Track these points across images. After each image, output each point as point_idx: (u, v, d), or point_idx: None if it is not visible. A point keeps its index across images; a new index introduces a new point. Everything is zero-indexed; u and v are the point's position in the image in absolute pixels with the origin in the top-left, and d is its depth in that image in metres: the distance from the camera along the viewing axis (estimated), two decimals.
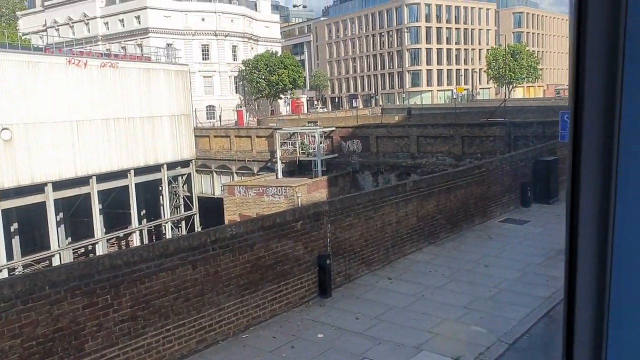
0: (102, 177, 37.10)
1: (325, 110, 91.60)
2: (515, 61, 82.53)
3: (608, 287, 0.87)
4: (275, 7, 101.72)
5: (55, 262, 33.34)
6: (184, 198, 43.77)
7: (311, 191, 32.41)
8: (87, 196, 36.60)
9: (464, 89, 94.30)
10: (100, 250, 36.60)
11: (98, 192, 36.92)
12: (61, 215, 37.91)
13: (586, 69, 0.85)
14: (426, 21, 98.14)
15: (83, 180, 35.98)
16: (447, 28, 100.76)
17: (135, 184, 39.26)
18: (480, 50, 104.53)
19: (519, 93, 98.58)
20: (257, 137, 40.90)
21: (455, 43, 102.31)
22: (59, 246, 35.37)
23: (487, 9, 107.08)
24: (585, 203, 0.89)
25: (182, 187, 44.13)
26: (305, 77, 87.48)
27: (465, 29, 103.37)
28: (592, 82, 0.85)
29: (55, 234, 34.83)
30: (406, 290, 11.56)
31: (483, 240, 15.04)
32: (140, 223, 41.05)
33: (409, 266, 13.07)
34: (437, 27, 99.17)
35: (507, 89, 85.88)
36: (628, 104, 0.80)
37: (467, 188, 16.22)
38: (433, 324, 9.94)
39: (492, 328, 9.65)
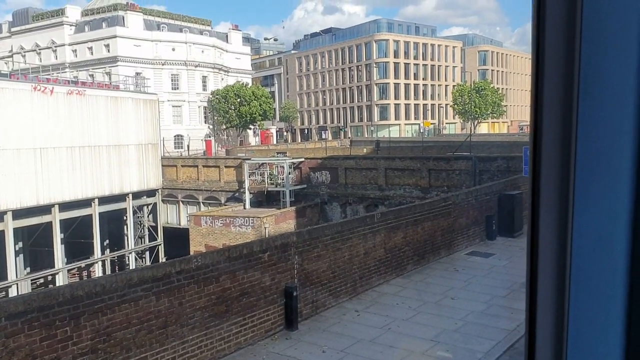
0: (65, 206, 36.28)
1: (291, 141, 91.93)
2: (480, 97, 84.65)
3: (567, 320, 0.89)
4: (247, 40, 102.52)
5: (13, 293, 32.20)
6: (149, 228, 43.03)
7: (279, 222, 32.25)
8: (49, 225, 35.68)
9: (431, 124, 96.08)
10: (61, 280, 35.53)
11: (60, 221, 36.03)
12: (20, 244, 36.80)
13: (544, 106, 0.88)
14: (394, 57, 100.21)
15: (45, 209, 35.11)
16: (414, 64, 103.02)
17: (99, 213, 38.49)
18: (446, 86, 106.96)
19: (484, 128, 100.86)
20: (226, 167, 40.72)
21: (423, 79, 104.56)
22: (17, 276, 34.22)
23: (454, 47, 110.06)
24: (544, 237, 0.91)
25: (148, 216, 43.43)
26: (275, 108, 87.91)
27: (432, 65, 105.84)
28: (550, 119, 0.88)
29: (14, 264, 33.73)
30: (373, 323, 11.50)
31: (449, 273, 15.13)
32: (103, 253, 40.11)
33: (377, 298, 13.03)
34: (405, 63, 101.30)
35: (472, 124, 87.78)
36: (582, 140, 0.84)
37: (434, 220, 16.37)
38: (400, 357, 9.88)
39: None
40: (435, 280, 14.45)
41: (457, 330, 11.04)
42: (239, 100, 67.81)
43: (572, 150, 0.85)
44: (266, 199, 37.45)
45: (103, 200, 38.86)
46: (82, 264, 39.28)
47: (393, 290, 13.61)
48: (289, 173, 36.09)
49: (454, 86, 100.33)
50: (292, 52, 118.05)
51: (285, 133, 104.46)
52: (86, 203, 37.78)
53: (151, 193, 43.03)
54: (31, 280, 35.87)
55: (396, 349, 10.22)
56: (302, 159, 37.52)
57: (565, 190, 0.86)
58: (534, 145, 0.90)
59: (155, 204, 43.31)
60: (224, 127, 71.79)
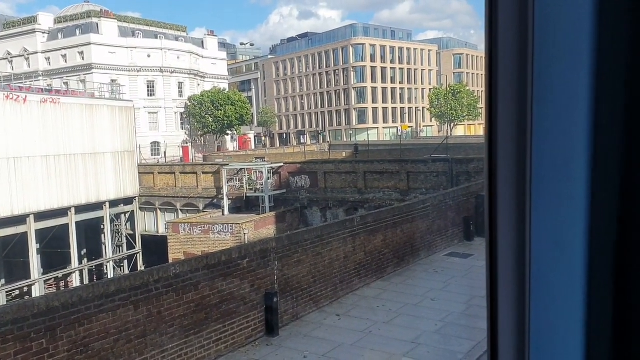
0: (41, 216, 35.68)
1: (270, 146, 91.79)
2: (456, 100, 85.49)
3: (528, 322, 0.90)
4: (223, 45, 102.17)
5: None
6: (127, 236, 42.53)
7: (259, 228, 32.13)
8: (24, 235, 35.05)
9: (409, 127, 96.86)
10: (38, 292, 34.90)
11: (36, 231, 35.41)
12: None
13: (499, 112, 0.89)
14: (371, 61, 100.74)
15: (20, 219, 34.48)
16: (391, 68, 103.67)
17: (76, 223, 37.93)
18: (423, 89, 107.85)
19: (460, 130, 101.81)
20: (203, 173, 40.47)
21: (400, 82, 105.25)
22: None
23: (429, 50, 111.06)
24: (503, 241, 0.92)
25: (125, 225, 42.93)
26: (252, 113, 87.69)
27: (409, 69, 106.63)
28: (505, 125, 0.89)
29: None
30: (354, 327, 11.51)
31: (429, 274, 15.21)
32: (80, 263, 39.52)
33: (357, 302, 13.04)
34: (381, 67, 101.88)
35: (449, 126, 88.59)
36: (537, 144, 0.85)
37: (413, 223, 16.46)
38: None
39: None
40: (415, 282, 14.51)
41: (437, 331, 11.10)
42: (215, 105, 67.50)
43: (528, 155, 0.86)
44: (245, 204, 37.29)
45: (80, 209, 38.31)
46: (59, 274, 38.64)
47: (374, 293, 13.64)
48: (268, 178, 36.00)
49: (430, 89, 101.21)
50: (269, 56, 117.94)
51: (263, 138, 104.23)
52: (62, 212, 37.20)
53: (128, 201, 42.55)
54: (6, 292, 35.17)
55: (377, 352, 10.23)
56: (281, 164, 37.46)
57: (522, 194, 0.88)
58: (489, 151, 0.91)
59: (132, 211, 42.83)
60: (201, 133, 71.39)
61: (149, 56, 69.68)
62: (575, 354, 0.87)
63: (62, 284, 39.84)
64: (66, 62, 67.66)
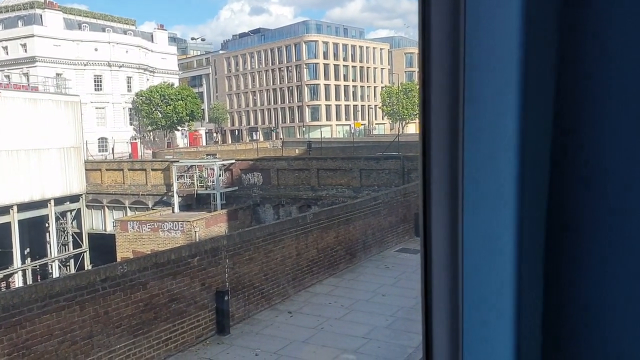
0: None
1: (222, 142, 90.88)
2: (408, 98, 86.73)
3: (461, 320, 0.91)
4: (173, 39, 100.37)
5: None
6: (73, 235, 41.27)
7: (210, 225, 31.73)
8: None
9: (361, 124, 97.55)
10: None
11: None
12: None
13: (432, 113, 0.91)
14: (324, 58, 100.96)
15: None
16: (344, 65, 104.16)
17: (19, 221, 36.54)
18: (375, 87, 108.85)
19: (411, 128, 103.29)
20: (153, 170, 39.66)
21: (352, 80, 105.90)
22: None
23: (381, 49, 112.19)
24: (436, 239, 0.94)
25: (71, 223, 41.65)
26: (203, 109, 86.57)
27: (361, 67, 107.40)
28: (438, 125, 0.91)
29: None
30: (306, 324, 11.52)
31: (380, 270, 15.38)
32: (23, 262, 38.10)
33: (309, 299, 13.06)
34: (334, 64, 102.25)
35: (400, 124, 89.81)
36: (469, 145, 0.86)
37: (365, 219, 16.60)
38: (332, 356, 9.94)
39: (389, 357, 9.80)
40: (366, 278, 14.64)
41: (388, 326, 11.23)
42: (164, 100, 66.24)
43: (460, 155, 0.87)
44: (196, 202, 36.77)
45: (23, 206, 36.91)
46: (0, 274, 37.16)
47: (326, 290, 13.68)
48: (220, 175, 35.60)
49: (382, 88, 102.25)
50: (221, 52, 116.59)
51: (215, 134, 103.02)
52: (4, 210, 35.77)
53: (74, 198, 41.29)
54: None
55: (329, 348, 10.27)
56: (233, 161, 37.12)
57: (454, 194, 0.89)
58: (423, 151, 0.93)
59: (79, 209, 41.59)
60: (150, 129, 69.96)
61: (96, 50, 67.71)
62: (506, 351, 0.89)
63: (3, 284, 38.31)
64: (7, 54, 64.97)
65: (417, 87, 0.99)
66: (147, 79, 73.82)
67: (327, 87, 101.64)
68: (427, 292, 0.97)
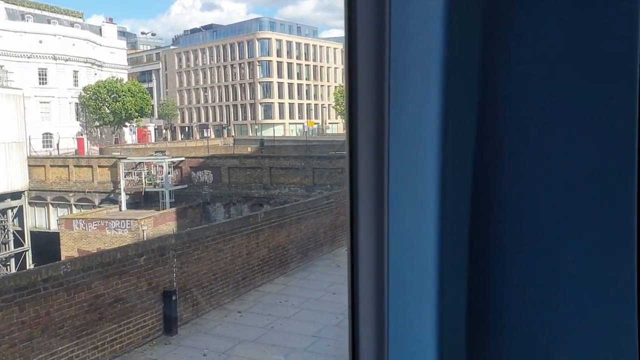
0: None
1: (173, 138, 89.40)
2: None
3: (387, 319, 0.92)
4: (122, 33, 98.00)
5: None
6: (14, 233, 39.75)
7: (158, 224, 31.14)
8: None
9: (315, 123, 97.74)
10: None
11: None
12: None
13: (358, 117, 0.93)
14: (277, 56, 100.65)
15: None
16: (297, 64, 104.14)
17: None
18: (329, 86, 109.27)
19: None
20: (99, 167, 38.63)
21: (306, 79, 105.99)
22: None
23: (335, 48, 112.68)
24: (363, 240, 0.96)
25: (13, 221, 40.10)
26: (153, 105, 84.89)
27: (315, 66, 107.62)
28: (364, 130, 0.92)
29: None
30: (256, 323, 11.45)
31: (331, 269, 15.44)
32: None
33: (259, 298, 12.98)
34: (288, 62, 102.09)
35: None
36: (394, 149, 0.88)
37: (317, 218, 16.63)
38: (281, 355, 9.91)
39: (339, 355, 9.85)
40: (317, 277, 14.67)
41: (338, 324, 11.28)
42: (112, 96, 64.60)
43: (385, 159, 0.89)
44: (144, 200, 36.02)
45: None
46: None
47: (276, 289, 13.63)
48: (169, 173, 35.01)
49: (335, 87, 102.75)
50: (172, 47, 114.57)
51: (164, 131, 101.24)
52: None
53: (16, 195, 39.77)
54: None
55: (279, 347, 10.24)
56: (183, 158, 36.56)
57: (380, 195, 0.90)
58: (350, 152, 0.95)
59: (21, 206, 40.09)
60: (97, 124, 68.12)
61: (40, 42, 65.36)
62: (431, 350, 0.90)
63: None
64: None
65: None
66: (95, 74, 71.83)
67: (280, 85, 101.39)
68: (354, 291, 0.97)
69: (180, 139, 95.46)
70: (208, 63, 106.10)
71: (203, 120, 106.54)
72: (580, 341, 0.94)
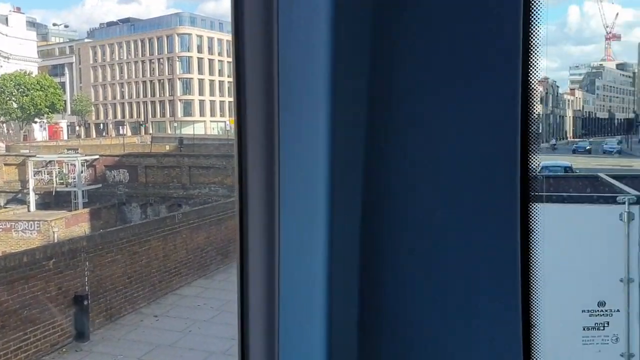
0: None
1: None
2: None
3: (277, 322, 0.92)
4: (32, 24, 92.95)
5: None
6: None
7: (70, 225, 29.78)
8: None
9: None
10: None
11: None
12: None
13: (247, 120, 0.92)
14: (198, 52, 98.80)
15: None
16: (219, 60, 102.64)
17: None
18: None
19: None
20: (5, 165, 36.49)
21: (228, 76, 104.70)
22: None
23: None
24: (253, 242, 0.96)
25: None
26: (65, 100, 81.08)
27: None
28: (254, 132, 0.92)
29: None
30: (173, 327, 11.20)
31: None
32: None
33: (177, 301, 12.71)
34: (209, 59, 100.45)
35: None
36: (284, 152, 0.89)
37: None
38: (200, 358, 9.76)
39: None
40: None
41: None
42: (20, 90, 61.08)
43: (276, 162, 0.89)
44: (55, 200, 34.35)
45: None
46: None
47: (195, 292, 13.39)
48: (82, 172, 33.59)
49: None
50: (86, 40, 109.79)
51: (77, 128, 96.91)
52: None
53: None
54: None
55: (197, 351, 10.07)
56: (97, 156, 35.20)
57: (270, 197, 0.91)
58: (239, 154, 0.94)
59: None
60: (3, 120, 64.21)
61: None
62: (321, 351, 0.91)
63: None
64: None
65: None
66: (1, 66, 67.69)
67: (201, 82, 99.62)
68: (244, 291, 0.97)
69: (94, 136, 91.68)
70: (125, 58, 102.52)
71: (119, 117, 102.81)
72: (469, 339, 0.97)
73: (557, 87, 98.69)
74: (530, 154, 0.97)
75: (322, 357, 0.90)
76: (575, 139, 77.56)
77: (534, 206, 0.99)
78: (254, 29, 0.90)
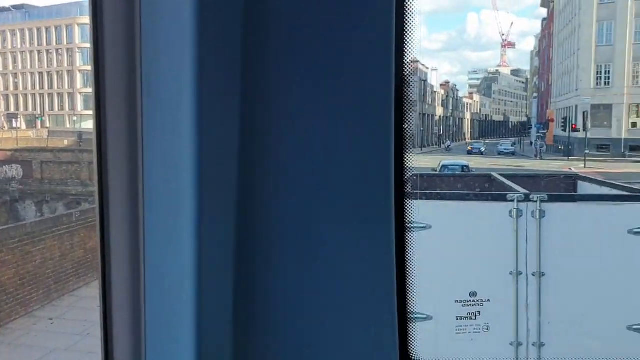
0: None
1: None
2: None
3: (144, 319, 0.90)
4: None
5: None
6: None
7: None
8: None
9: None
10: None
11: None
12: None
13: (107, 108, 0.88)
14: None
15: None
16: None
17: None
18: None
19: None
20: None
21: None
22: None
23: None
24: (115, 236, 0.92)
25: None
26: None
27: None
28: (115, 120, 0.88)
29: None
30: (70, 330, 10.70)
31: None
32: None
33: (75, 303, 12.14)
34: None
35: None
36: (148, 139, 0.85)
37: None
38: None
39: None
40: None
41: None
42: None
43: (139, 150, 0.86)
44: None
45: None
46: None
47: (94, 293, 12.82)
48: None
49: None
50: None
51: None
52: None
53: None
54: None
55: (95, 355, 9.67)
56: None
57: (134, 188, 0.87)
58: (98, 146, 0.90)
59: None
60: None
61: None
62: (191, 349, 0.89)
63: None
64: None
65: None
66: None
67: None
68: (106, 290, 0.93)
69: None
70: (19, 46, 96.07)
71: (12, 110, 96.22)
72: (345, 330, 0.99)
73: (457, 90, 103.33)
74: (404, 152, 0.99)
75: (191, 352, 0.88)
76: (472, 141, 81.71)
77: (409, 202, 1.04)
78: (115, 15, 0.85)
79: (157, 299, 0.89)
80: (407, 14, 0.96)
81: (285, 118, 0.93)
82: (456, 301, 5.35)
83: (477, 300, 5.34)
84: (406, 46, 0.96)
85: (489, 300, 5.34)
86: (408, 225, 1.03)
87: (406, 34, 0.96)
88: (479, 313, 5.33)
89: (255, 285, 0.95)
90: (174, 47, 0.83)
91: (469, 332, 5.36)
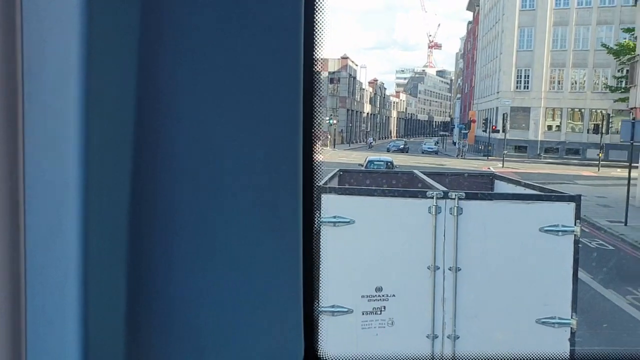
0: None
1: None
2: None
3: (24, 320, 0.87)
4: None
5: None
6: None
7: None
8: None
9: None
10: None
11: None
12: None
13: None
14: None
15: None
16: None
17: None
18: None
19: None
20: None
21: None
22: None
23: None
24: None
25: None
26: None
27: None
28: None
29: None
30: None
31: None
32: None
33: None
34: None
35: None
36: (30, 138, 0.83)
37: None
38: None
39: None
40: None
41: None
42: None
43: (20, 150, 0.83)
44: None
45: None
46: None
47: None
48: None
49: None
50: None
51: None
52: None
53: None
54: None
55: None
56: None
57: (14, 186, 0.84)
58: None
59: None
60: None
61: None
62: (75, 349, 0.86)
63: None
64: None
65: None
66: None
67: None
68: None
69: None
70: None
71: None
72: (249, 326, 0.98)
73: (385, 89, 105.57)
74: (313, 148, 0.99)
75: (77, 354, 0.85)
76: (395, 139, 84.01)
77: (318, 196, 1.03)
78: None
79: (39, 299, 0.85)
80: (316, 9, 0.95)
81: (185, 116, 0.90)
82: (362, 296, 5.43)
83: (383, 295, 5.43)
84: (316, 42, 0.95)
85: (394, 295, 5.45)
86: (317, 222, 1.03)
87: (316, 30, 0.95)
88: (384, 308, 5.43)
89: (150, 285, 0.92)
90: (56, 54, 0.81)
91: (374, 327, 5.45)
